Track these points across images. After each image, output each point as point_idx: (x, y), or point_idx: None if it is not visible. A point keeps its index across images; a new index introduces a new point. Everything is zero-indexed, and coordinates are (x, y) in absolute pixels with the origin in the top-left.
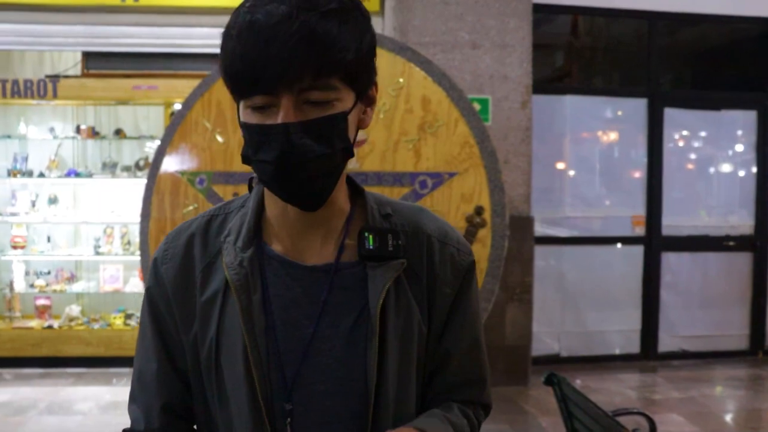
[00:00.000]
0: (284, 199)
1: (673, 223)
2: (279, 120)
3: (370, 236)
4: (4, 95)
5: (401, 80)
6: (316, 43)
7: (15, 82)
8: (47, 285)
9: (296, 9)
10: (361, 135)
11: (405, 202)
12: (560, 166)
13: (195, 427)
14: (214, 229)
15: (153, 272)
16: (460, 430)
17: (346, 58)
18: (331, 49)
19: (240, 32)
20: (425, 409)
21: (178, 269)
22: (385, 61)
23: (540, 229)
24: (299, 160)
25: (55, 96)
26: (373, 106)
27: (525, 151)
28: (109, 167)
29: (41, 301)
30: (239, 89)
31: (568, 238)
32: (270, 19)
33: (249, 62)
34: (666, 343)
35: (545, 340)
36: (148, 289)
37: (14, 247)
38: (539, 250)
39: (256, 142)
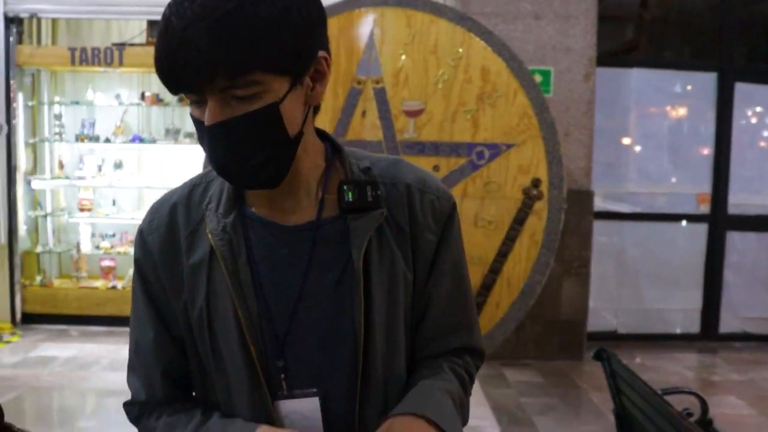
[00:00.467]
0: (237, 188)
1: (740, 201)
2: (205, 121)
3: (349, 189)
4: (73, 62)
5: (461, 50)
6: (227, 44)
7: (83, 50)
8: (112, 247)
9: (207, 8)
10: (419, 104)
11: (382, 155)
12: (625, 140)
13: (194, 393)
14: (196, 197)
15: (140, 243)
16: (456, 395)
17: (264, 52)
18: (243, 47)
19: (160, 34)
20: (414, 360)
21: (163, 238)
22: (444, 31)
23: (601, 204)
24: (230, 158)
25: (121, 63)
26: (323, 81)
27: (587, 124)
28: (172, 133)
29: (106, 263)
30: (167, 88)
31: (630, 213)
32: (181, 22)
33: (165, 66)
34: (728, 324)
35: (603, 316)
36: (136, 261)
37: (81, 210)
38: (599, 226)
39: (198, 136)
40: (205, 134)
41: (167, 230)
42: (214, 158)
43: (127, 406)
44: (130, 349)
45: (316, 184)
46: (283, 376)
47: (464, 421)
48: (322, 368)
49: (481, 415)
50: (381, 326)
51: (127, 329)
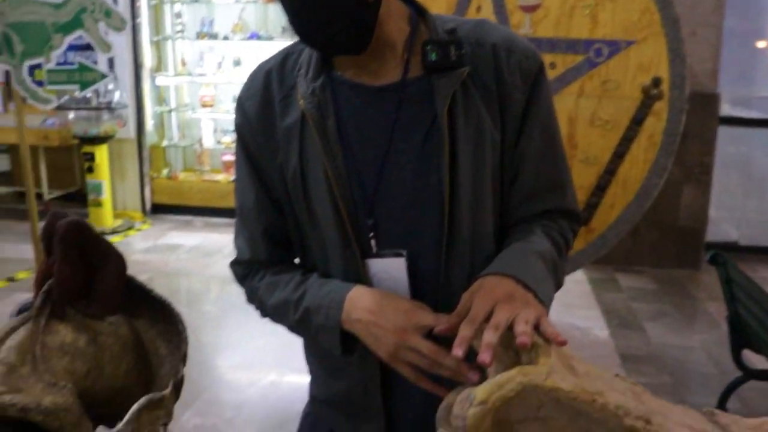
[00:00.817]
0: (324, 55)
1: None
2: None
3: (432, 49)
4: None
5: None
6: None
7: None
8: (233, 142)
9: None
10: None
11: (468, 18)
12: (759, 43)
13: (297, 260)
14: (289, 64)
15: (239, 110)
16: (548, 257)
17: None
18: None
19: None
20: (506, 227)
21: (259, 103)
22: None
23: (729, 110)
24: (310, 25)
25: None
26: None
27: (715, 22)
28: (289, 31)
29: (227, 157)
30: None
31: (761, 120)
32: None
33: None
34: None
35: (724, 226)
36: (237, 127)
37: (203, 106)
38: (725, 132)
39: (283, 8)
40: (287, 4)
41: (262, 96)
42: (296, 27)
43: (233, 265)
44: (235, 215)
45: (402, 46)
46: (372, 234)
47: (557, 284)
48: (409, 227)
49: (590, 317)
50: (467, 184)
51: None
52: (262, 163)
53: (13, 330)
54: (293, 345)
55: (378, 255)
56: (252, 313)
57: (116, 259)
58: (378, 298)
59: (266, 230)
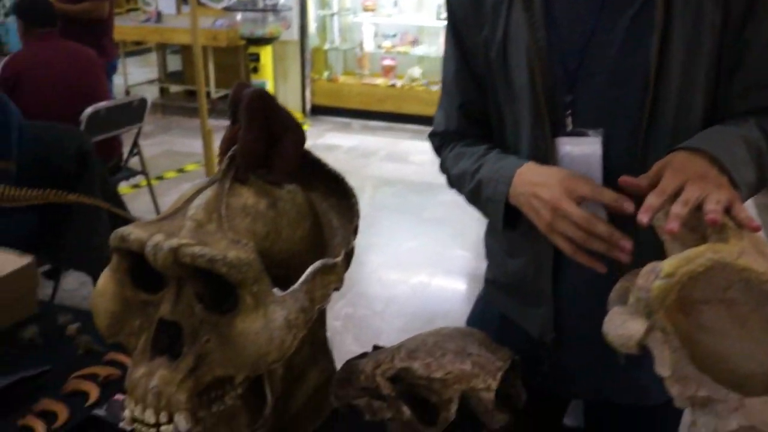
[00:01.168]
0: None
1: None
2: None
3: None
4: None
5: None
6: None
7: None
8: (393, 47)
9: None
10: None
11: None
12: None
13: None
14: None
15: None
16: (754, 145)
17: None
18: None
19: None
20: (718, 119)
21: None
22: None
23: None
24: None
25: None
26: None
27: None
28: None
29: (387, 62)
30: None
31: None
32: None
33: None
34: None
35: None
36: (447, 1)
37: (365, 10)
38: None
39: None
40: None
41: None
42: None
43: (431, 137)
44: (440, 86)
45: None
46: (569, 111)
47: (762, 177)
48: (609, 107)
49: None
50: (677, 68)
51: (404, 126)
52: (467, 36)
53: (200, 191)
54: (443, 248)
55: (572, 133)
56: (403, 215)
57: (296, 130)
58: (544, 171)
59: (463, 104)
